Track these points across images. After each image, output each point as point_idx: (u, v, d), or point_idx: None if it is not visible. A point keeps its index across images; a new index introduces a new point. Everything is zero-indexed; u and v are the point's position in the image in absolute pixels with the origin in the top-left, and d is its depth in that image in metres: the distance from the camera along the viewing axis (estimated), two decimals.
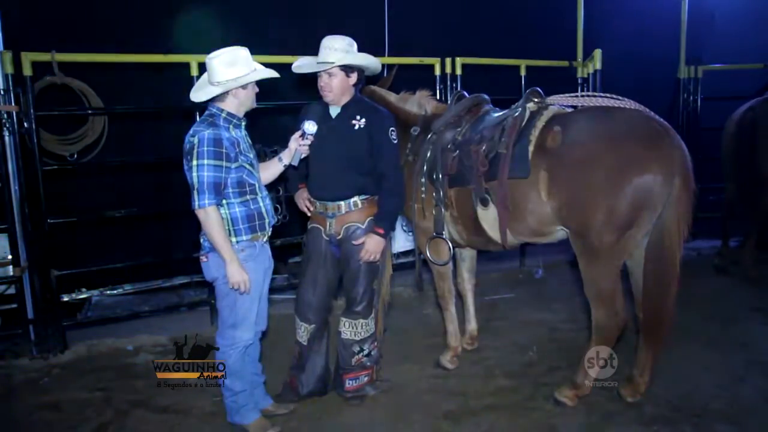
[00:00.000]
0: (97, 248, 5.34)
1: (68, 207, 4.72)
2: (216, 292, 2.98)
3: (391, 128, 3.18)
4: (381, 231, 3.15)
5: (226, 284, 2.81)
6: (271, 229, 2.99)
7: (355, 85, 3.17)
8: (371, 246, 3.15)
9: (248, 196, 2.85)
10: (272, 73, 2.90)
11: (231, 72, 2.75)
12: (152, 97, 5.27)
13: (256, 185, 2.90)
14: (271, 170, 3.10)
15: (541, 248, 5.29)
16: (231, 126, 2.82)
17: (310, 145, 3.09)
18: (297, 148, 3.07)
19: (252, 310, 2.93)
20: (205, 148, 2.66)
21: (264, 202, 2.94)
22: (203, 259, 2.90)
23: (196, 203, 2.69)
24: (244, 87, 2.81)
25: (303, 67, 3.16)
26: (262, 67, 2.89)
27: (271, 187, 3.13)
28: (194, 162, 2.67)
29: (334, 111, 3.19)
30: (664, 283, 3.01)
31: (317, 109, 3.23)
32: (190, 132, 2.76)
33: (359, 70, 3.14)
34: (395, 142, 3.19)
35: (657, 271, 3.02)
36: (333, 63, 3.01)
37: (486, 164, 3.19)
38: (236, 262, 2.75)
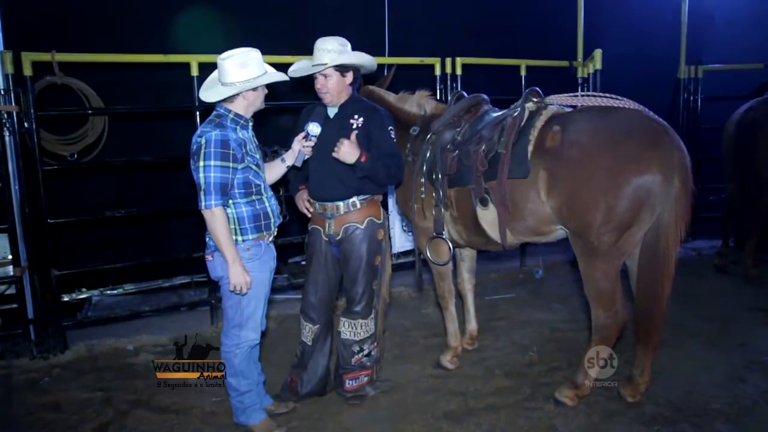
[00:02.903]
0: (97, 248, 5.35)
1: (68, 207, 4.72)
2: (221, 292, 2.98)
3: (390, 127, 3.17)
4: (363, 158, 3.00)
5: None
6: (276, 229, 3.00)
7: (351, 84, 3.17)
8: (345, 149, 2.97)
9: (254, 197, 2.87)
10: (283, 77, 2.92)
11: (243, 74, 2.77)
12: (152, 97, 5.28)
13: (262, 186, 2.92)
14: (274, 171, 3.13)
15: (541, 248, 5.30)
16: (238, 127, 2.83)
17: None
18: (300, 149, 3.08)
19: (258, 310, 2.94)
20: (213, 149, 2.67)
21: (270, 203, 2.95)
22: (209, 258, 2.92)
23: (203, 204, 2.70)
24: (254, 89, 2.82)
25: (298, 71, 3.16)
26: (273, 69, 2.91)
27: (273, 187, 3.14)
28: (201, 162, 2.68)
29: (332, 111, 3.19)
30: (658, 282, 3.01)
31: (317, 110, 3.23)
32: (198, 132, 2.78)
33: (354, 69, 3.14)
34: (394, 140, 3.19)
35: (652, 269, 3.02)
36: (327, 64, 3.02)
37: (485, 164, 3.19)
38: (239, 263, 2.75)
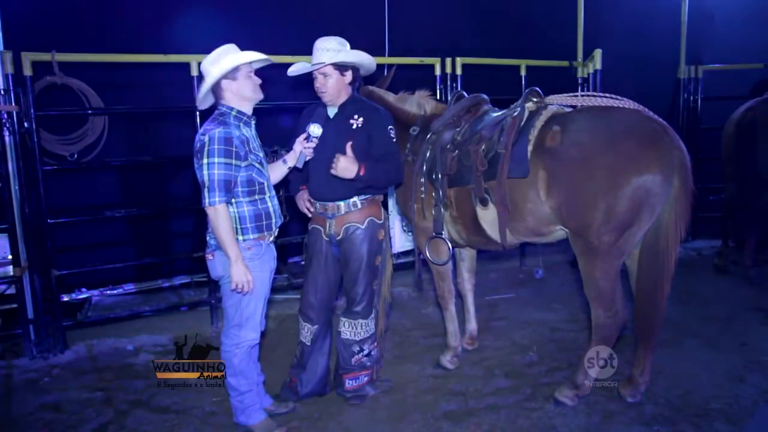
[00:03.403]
0: (97, 248, 5.35)
1: (68, 207, 4.72)
2: (221, 291, 2.98)
3: (390, 126, 3.17)
4: (362, 171, 3.01)
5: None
6: (277, 229, 3.00)
7: (351, 84, 3.16)
8: (342, 165, 2.97)
9: (257, 196, 2.87)
10: (259, 56, 2.86)
11: (217, 68, 2.79)
12: (152, 97, 5.28)
13: (265, 184, 2.91)
14: (275, 172, 3.12)
15: (541, 248, 5.29)
16: (241, 124, 2.84)
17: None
18: (302, 150, 3.08)
19: (258, 310, 2.94)
20: (216, 147, 2.68)
21: (272, 202, 2.95)
22: (209, 257, 2.91)
23: (207, 201, 2.70)
24: (234, 78, 2.81)
25: (298, 71, 3.17)
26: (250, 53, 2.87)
27: (274, 188, 3.14)
28: (205, 160, 2.68)
29: (332, 111, 3.19)
30: (657, 282, 3.02)
31: (318, 111, 3.23)
32: (201, 130, 2.79)
33: (354, 68, 3.14)
34: (394, 140, 3.19)
35: (652, 269, 3.03)
36: (325, 62, 3.01)
37: (485, 164, 3.19)
38: (241, 262, 2.75)
